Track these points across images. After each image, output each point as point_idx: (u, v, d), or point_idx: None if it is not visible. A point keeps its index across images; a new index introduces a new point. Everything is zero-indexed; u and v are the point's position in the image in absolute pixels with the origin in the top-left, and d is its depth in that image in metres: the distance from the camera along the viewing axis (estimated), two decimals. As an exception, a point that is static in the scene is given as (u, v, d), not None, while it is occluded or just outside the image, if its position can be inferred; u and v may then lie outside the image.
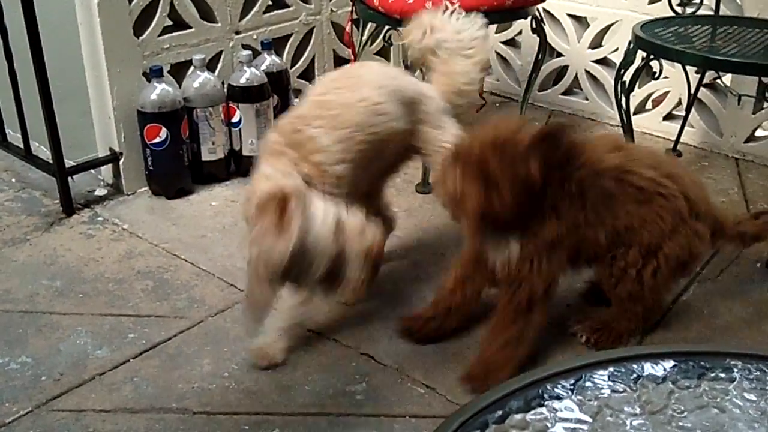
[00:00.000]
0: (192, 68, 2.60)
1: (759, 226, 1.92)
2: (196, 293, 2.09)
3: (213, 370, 1.82)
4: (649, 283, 1.78)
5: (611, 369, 1.02)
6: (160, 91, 2.47)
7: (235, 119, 2.64)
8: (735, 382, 1.00)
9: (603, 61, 3.12)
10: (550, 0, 2.77)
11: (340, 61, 3.14)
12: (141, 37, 2.52)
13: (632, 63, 2.34)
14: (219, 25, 2.72)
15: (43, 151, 2.60)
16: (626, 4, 2.97)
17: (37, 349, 1.89)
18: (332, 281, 1.62)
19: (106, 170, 2.65)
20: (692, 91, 2.82)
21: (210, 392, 1.75)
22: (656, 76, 2.46)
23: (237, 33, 2.78)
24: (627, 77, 2.35)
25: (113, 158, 2.59)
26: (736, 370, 1.01)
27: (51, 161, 2.47)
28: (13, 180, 2.73)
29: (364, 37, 3.00)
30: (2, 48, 2.46)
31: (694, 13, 2.66)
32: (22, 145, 2.61)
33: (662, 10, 2.74)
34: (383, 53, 3.28)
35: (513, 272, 1.70)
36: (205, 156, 2.64)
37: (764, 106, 2.80)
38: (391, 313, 2.01)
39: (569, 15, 3.14)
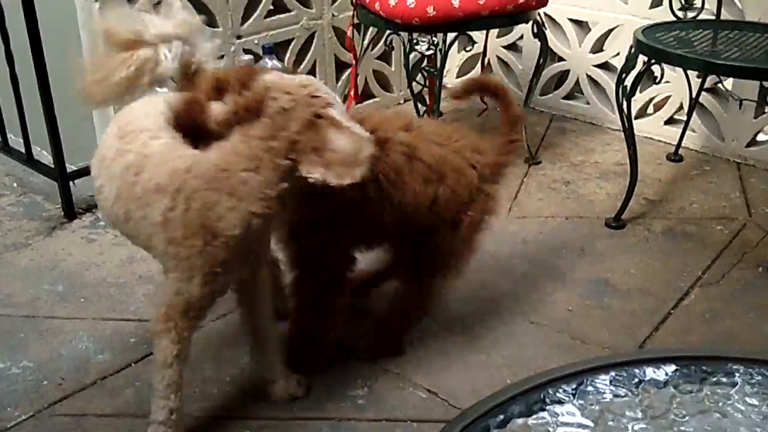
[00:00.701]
0: (194, 73, 2.60)
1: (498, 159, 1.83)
2: (197, 298, 2.09)
3: (214, 374, 1.82)
4: (455, 253, 1.78)
5: (613, 373, 1.02)
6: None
7: (236, 124, 2.64)
8: (737, 387, 0.99)
9: (604, 66, 3.13)
10: (552, 4, 2.77)
11: (341, 66, 3.15)
12: (143, 42, 2.52)
13: (633, 67, 2.34)
14: (220, 29, 2.72)
15: (45, 156, 2.60)
16: (627, 9, 2.98)
17: (39, 353, 1.89)
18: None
19: (108, 175, 2.65)
20: (694, 95, 2.82)
21: (212, 397, 1.75)
22: (657, 80, 2.46)
23: (238, 37, 2.78)
24: (628, 82, 2.35)
25: (115, 163, 2.59)
26: (737, 374, 1.01)
27: (52, 166, 2.48)
28: (15, 185, 2.73)
29: (366, 42, 3.00)
30: (4, 52, 2.46)
31: (695, 17, 2.66)
32: (23, 150, 2.61)
33: (663, 15, 2.75)
34: (384, 58, 3.28)
35: None
36: (207, 160, 2.63)
37: (766, 110, 2.80)
38: (392, 318, 2.01)
39: (570, 19, 3.15)
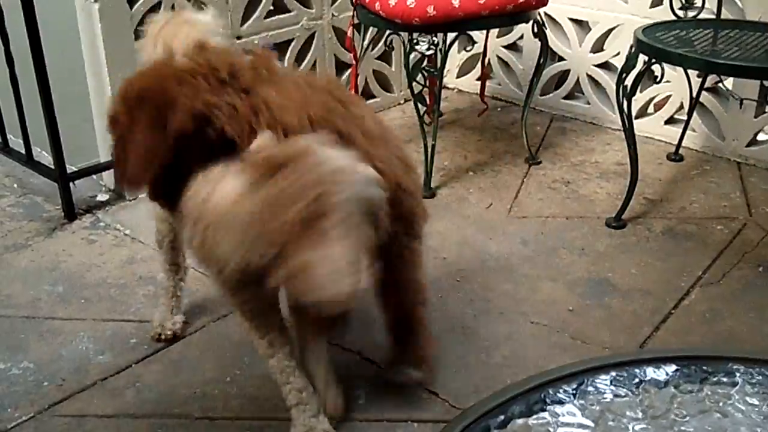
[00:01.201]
0: (194, 73, 2.60)
1: None
2: (198, 298, 2.09)
3: (215, 375, 1.82)
4: (419, 276, 1.67)
5: (613, 373, 1.02)
6: (161, 96, 2.47)
7: (236, 124, 2.64)
8: (737, 387, 0.99)
9: (605, 65, 3.13)
10: (552, 4, 2.77)
11: (341, 66, 3.14)
12: (143, 43, 2.53)
13: (634, 67, 2.34)
14: (220, 30, 2.72)
15: (45, 157, 2.60)
16: (628, 8, 2.98)
17: (39, 354, 1.89)
18: None
19: (108, 175, 2.65)
20: (694, 95, 2.82)
21: (212, 397, 1.75)
22: (658, 80, 2.46)
23: (238, 38, 2.78)
24: (629, 81, 2.35)
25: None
26: (738, 374, 1.01)
27: (53, 167, 2.48)
28: (15, 185, 2.73)
29: (366, 42, 3.01)
30: (4, 53, 2.46)
31: (695, 17, 2.66)
32: (23, 151, 2.61)
33: (664, 14, 2.74)
34: (385, 58, 3.28)
35: None
36: (207, 161, 2.63)
37: (766, 109, 2.80)
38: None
39: (571, 19, 3.15)
